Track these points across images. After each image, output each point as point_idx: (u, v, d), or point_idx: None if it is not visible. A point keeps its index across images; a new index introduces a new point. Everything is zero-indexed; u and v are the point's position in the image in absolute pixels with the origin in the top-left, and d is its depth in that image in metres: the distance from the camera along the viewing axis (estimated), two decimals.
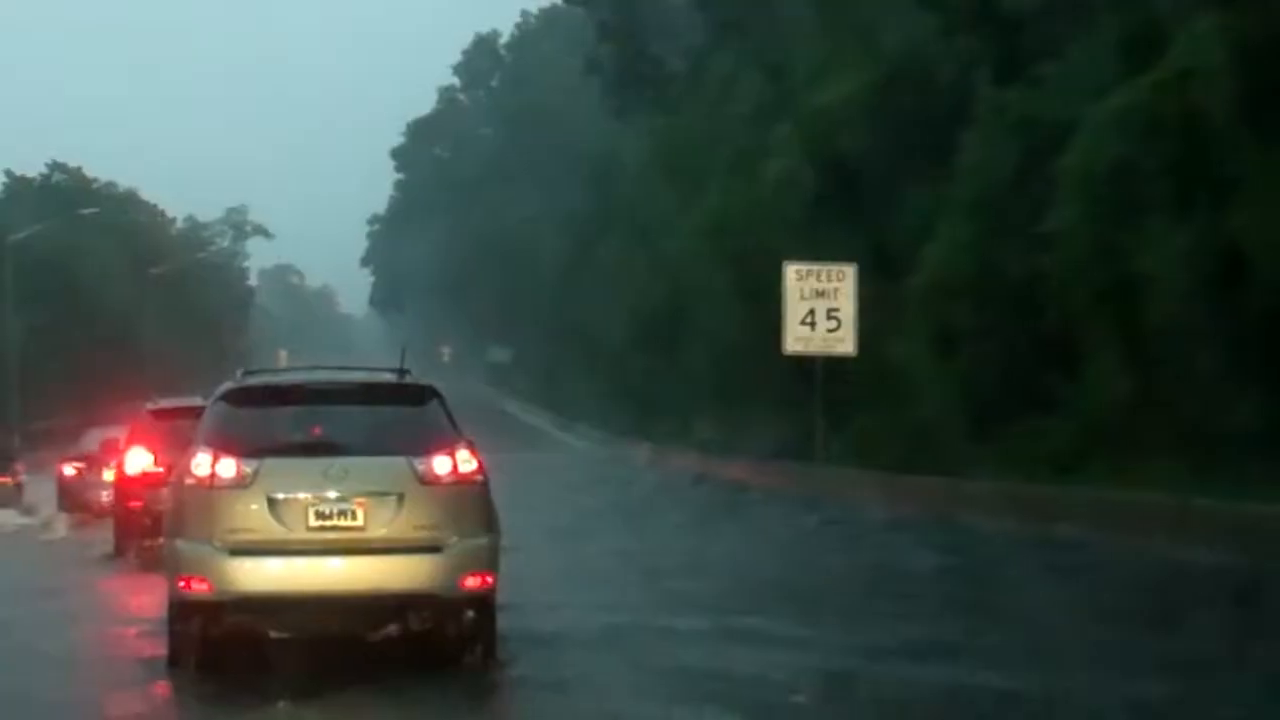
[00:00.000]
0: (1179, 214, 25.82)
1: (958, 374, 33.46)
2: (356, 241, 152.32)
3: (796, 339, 35.71)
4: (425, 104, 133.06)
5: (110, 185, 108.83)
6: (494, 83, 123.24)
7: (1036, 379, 31.13)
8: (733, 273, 45.10)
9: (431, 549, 13.57)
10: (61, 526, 32.73)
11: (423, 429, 14.08)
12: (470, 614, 13.91)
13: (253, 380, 14.89)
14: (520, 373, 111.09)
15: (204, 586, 13.48)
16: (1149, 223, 26.40)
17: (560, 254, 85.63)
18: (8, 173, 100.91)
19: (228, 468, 13.61)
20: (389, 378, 14.87)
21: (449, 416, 14.23)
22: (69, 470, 35.28)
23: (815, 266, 35.80)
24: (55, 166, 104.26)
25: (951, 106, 35.46)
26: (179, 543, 13.79)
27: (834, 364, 36.52)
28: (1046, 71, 33.20)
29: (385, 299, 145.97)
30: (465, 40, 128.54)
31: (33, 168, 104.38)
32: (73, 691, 13.71)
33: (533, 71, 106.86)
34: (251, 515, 13.48)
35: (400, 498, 13.57)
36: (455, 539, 13.62)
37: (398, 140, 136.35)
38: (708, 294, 49.06)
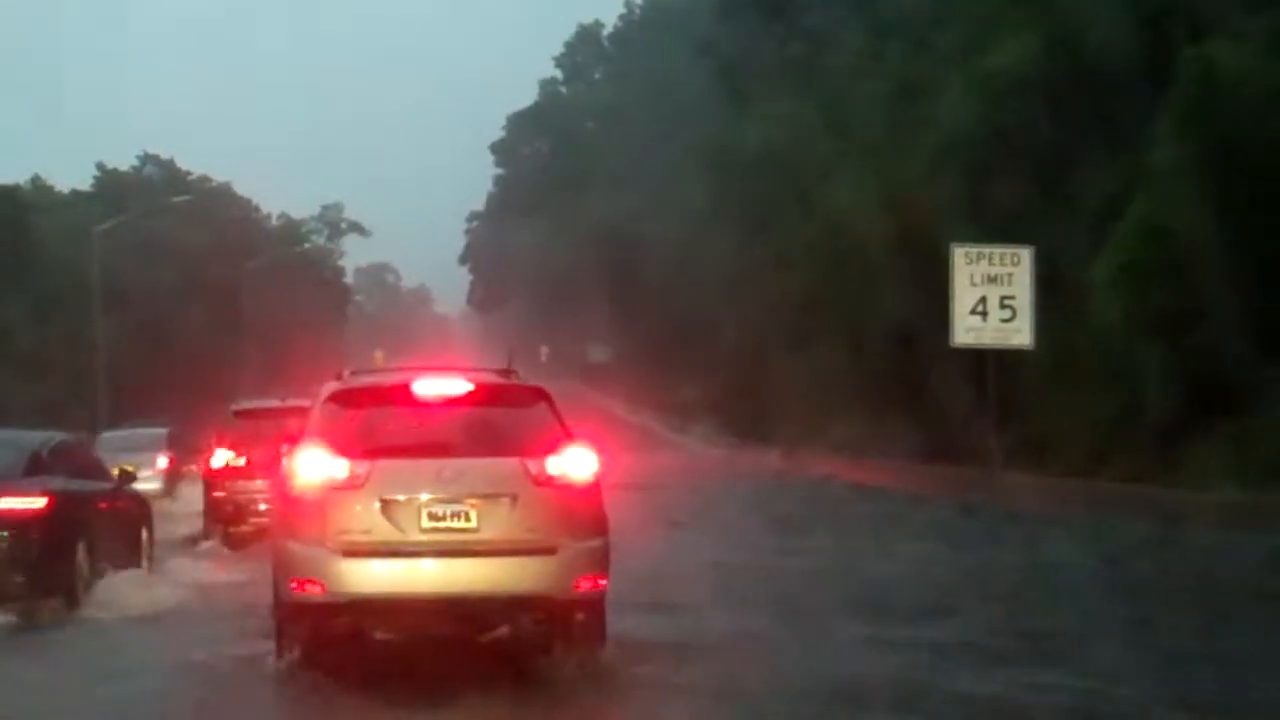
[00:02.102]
0: None
1: (1155, 366, 29.48)
2: (453, 239, 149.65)
3: (967, 330, 31.81)
4: (526, 97, 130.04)
5: (204, 179, 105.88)
6: (597, 75, 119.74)
7: (1254, 371, 27.26)
8: (874, 261, 41.23)
9: (545, 551, 13.51)
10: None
11: (533, 430, 14.02)
12: (581, 615, 13.88)
13: (361, 381, 14.92)
14: (622, 372, 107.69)
15: (317, 589, 13.45)
16: None
17: (670, 249, 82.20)
18: (99, 165, 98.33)
19: (340, 469, 13.56)
20: (497, 378, 14.90)
21: (559, 417, 14.17)
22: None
23: (987, 249, 31.90)
24: (147, 159, 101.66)
25: (1141, 65, 31.47)
26: (291, 544, 13.77)
27: (997, 356, 32.55)
28: (1252, 25, 29.45)
29: (483, 298, 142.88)
30: (567, 31, 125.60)
31: (125, 161, 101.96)
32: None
33: (638, 62, 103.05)
34: (364, 517, 13.44)
35: (513, 499, 13.52)
36: (569, 541, 13.57)
37: (497, 135, 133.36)
38: (844, 285, 45.22)
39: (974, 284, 31.74)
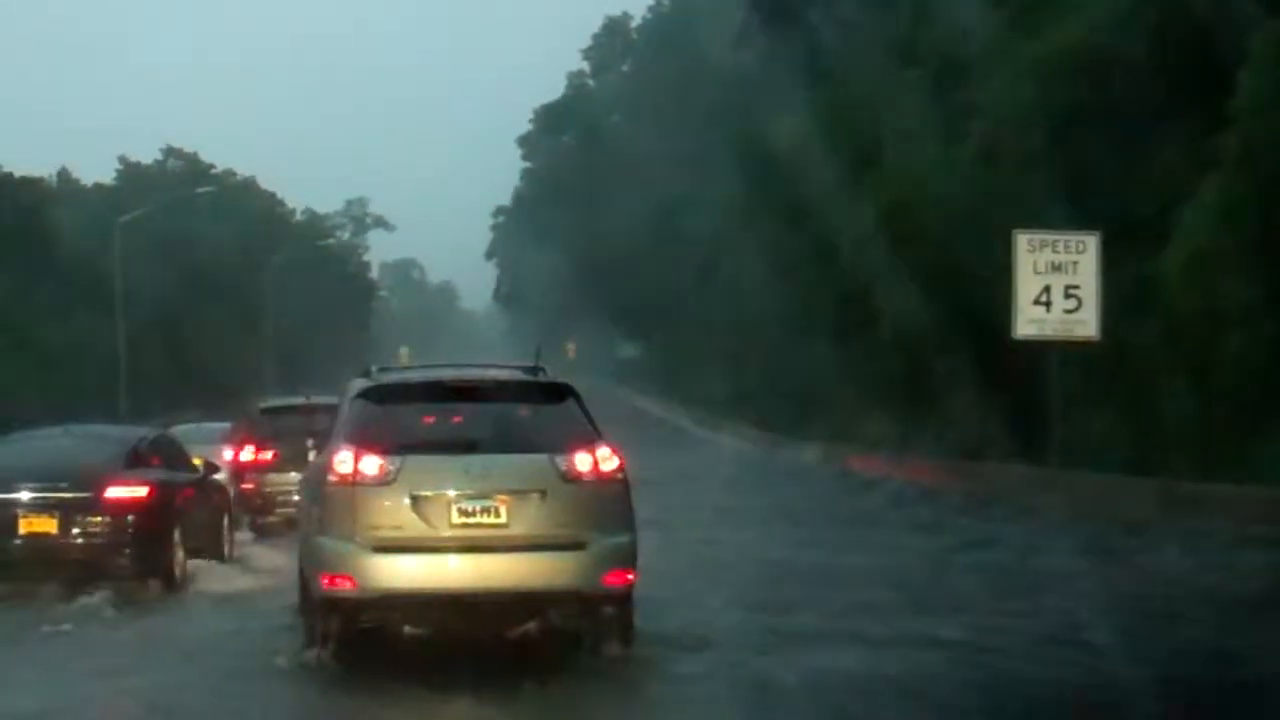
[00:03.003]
0: None
1: (1227, 360, 27.85)
2: (478, 235, 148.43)
3: (1029, 321, 29.97)
4: (553, 90, 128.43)
5: (228, 173, 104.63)
6: (625, 67, 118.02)
7: None
8: (919, 250, 39.59)
9: (574, 546, 13.66)
10: None
11: (562, 426, 14.16)
12: (609, 610, 13.98)
13: (390, 377, 15.14)
14: (651, 368, 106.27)
15: (348, 584, 13.54)
16: None
17: (702, 243, 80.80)
18: (121, 159, 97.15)
19: (371, 465, 13.60)
20: (525, 375, 15.08)
21: (586, 414, 14.33)
22: None
23: (1051, 236, 30.11)
24: (170, 152, 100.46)
25: (1211, 43, 29.84)
26: (322, 540, 13.90)
27: (1039, 349, 30.91)
28: None
29: (509, 294, 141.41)
30: (594, 24, 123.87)
31: (147, 154, 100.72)
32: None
33: (667, 54, 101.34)
34: (395, 513, 13.52)
35: (543, 495, 13.65)
36: (597, 536, 13.70)
37: (523, 129, 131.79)
38: (887, 275, 43.57)
39: (1037, 273, 29.93)
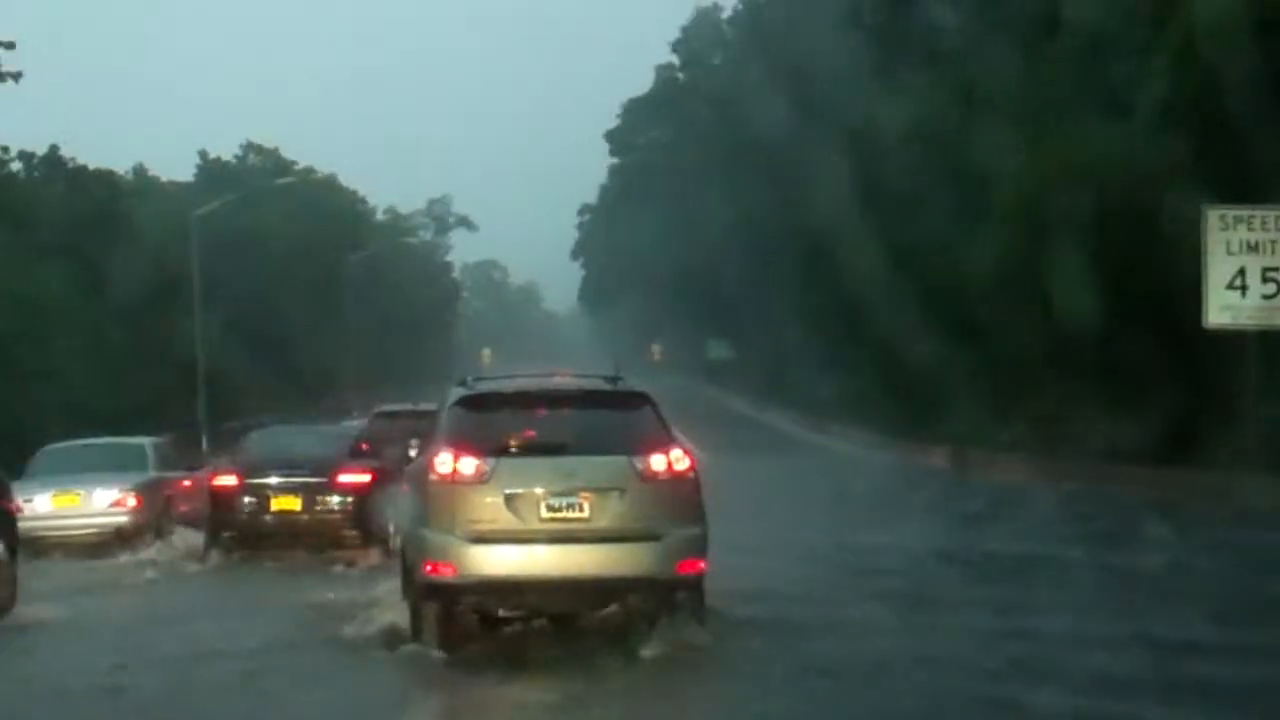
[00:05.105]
0: None
1: None
2: (562, 235, 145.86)
3: (1223, 308, 26.61)
4: (642, 84, 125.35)
5: (309, 170, 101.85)
6: (716, 59, 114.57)
7: None
8: (1072, 235, 36.10)
9: (650, 538, 15.06)
10: None
11: (639, 431, 15.62)
12: (682, 594, 15.32)
13: (484, 387, 16.51)
14: (744, 370, 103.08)
15: (449, 571, 15.05)
16: None
17: (802, 237, 77.43)
18: (201, 153, 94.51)
19: (468, 466, 15.19)
20: (605, 384, 16.48)
21: (661, 419, 15.81)
22: None
23: (1246, 211, 26.64)
24: (250, 148, 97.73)
25: None
26: (426, 532, 15.45)
27: (1207, 338, 27.40)
28: None
29: (595, 294, 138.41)
30: (684, 16, 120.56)
31: (229, 150, 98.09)
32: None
33: (761, 43, 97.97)
34: (490, 508, 15.08)
35: (622, 492, 15.12)
36: (671, 529, 15.11)
37: (610, 125, 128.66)
38: (1029, 263, 40.09)
39: (1230, 253, 26.52)
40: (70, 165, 64.82)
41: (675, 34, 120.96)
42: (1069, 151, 36.35)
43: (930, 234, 51.03)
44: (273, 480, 25.70)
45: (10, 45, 52.34)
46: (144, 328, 61.01)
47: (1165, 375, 33.45)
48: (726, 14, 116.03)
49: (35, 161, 63.91)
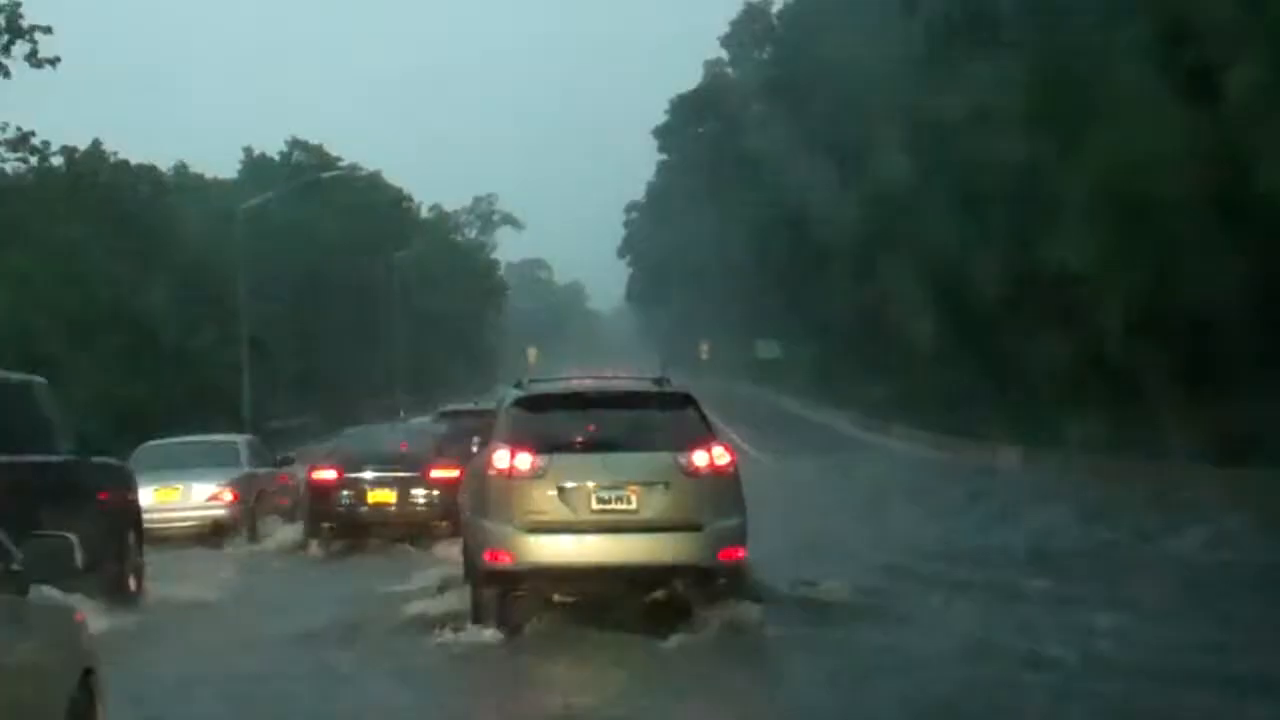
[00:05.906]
0: None
1: None
2: (608, 234, 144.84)
3: None
4: (690, 80, 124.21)
5: (354, 167, 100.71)
6: (765, 54, 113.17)
7: None
8: (1160, 226, 34.68)
9: (693, 528, 16.15)
10: None
11: (683, 429, 16.77)
12: (723, 581, 16.44)
13: (539, 388, 18.09)
14: (794, 369, 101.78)
15: (507, 558, 16.23)
16: None
17: (855, 232, 76.03)
18: (246, 150, 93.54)
19: (524, 461, 16.34)
20: (651, 386, 18.10)
21: (704, 418, 17.01)
22: None
23: None
24: (295, 144, 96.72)
25: None
26: (485, 522, 16.66)
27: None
28: None
29: (643, 292, 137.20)
30: (733, 10, 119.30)
31: (274, 148, 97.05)
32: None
33: (811, 36, 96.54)
34: (544, 500, 16.20)
35: (666, 485, 16.24)
36: (712, 519, 16.18)
37: (658, 123, 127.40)
38: (1097, 257, 38.69)
39: None
40: (112, 160, 63.73)
41: (724, 29, 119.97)
42: (1155, 139, 34.91)
43: (997, 225, 49.63)
44: (368, 475, 27.67)
45: (48, 30, 51.16)
46: (186, 323, 59.84)
47: (1262, 370, 32.07)
48: (777, 8, 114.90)
49: (77, 156, 62.86)
